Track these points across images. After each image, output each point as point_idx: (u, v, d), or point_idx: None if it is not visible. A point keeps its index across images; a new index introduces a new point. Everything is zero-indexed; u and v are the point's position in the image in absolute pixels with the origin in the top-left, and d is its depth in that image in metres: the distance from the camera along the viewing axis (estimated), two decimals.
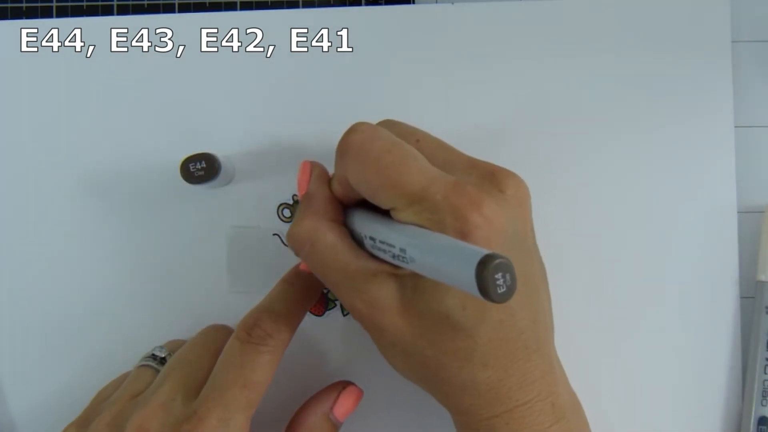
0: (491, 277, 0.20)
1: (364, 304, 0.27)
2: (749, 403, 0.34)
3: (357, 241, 0.28)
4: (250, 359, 0.28)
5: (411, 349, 0.27)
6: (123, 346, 0.36)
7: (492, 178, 0.27)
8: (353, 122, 0.29)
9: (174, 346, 0.33)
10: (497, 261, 0.20)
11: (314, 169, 0.31)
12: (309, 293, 0.31)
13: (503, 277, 0.20)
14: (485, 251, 0.20)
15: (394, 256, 0.25)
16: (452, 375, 0.27)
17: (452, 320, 0.26)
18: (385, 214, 0.27)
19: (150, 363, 0.32)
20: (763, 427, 0.34)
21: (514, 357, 0.27)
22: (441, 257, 0.22)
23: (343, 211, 0.30)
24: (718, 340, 0.35)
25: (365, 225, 0.28)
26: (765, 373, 0.34)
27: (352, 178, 0.27)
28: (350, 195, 0.29)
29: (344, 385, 0.32)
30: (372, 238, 0.27)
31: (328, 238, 0.28)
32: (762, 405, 0.34)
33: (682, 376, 0.35)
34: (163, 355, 0.33)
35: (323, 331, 0.36)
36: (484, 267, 0.20)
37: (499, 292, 0.20)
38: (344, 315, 0.36)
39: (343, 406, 0.32)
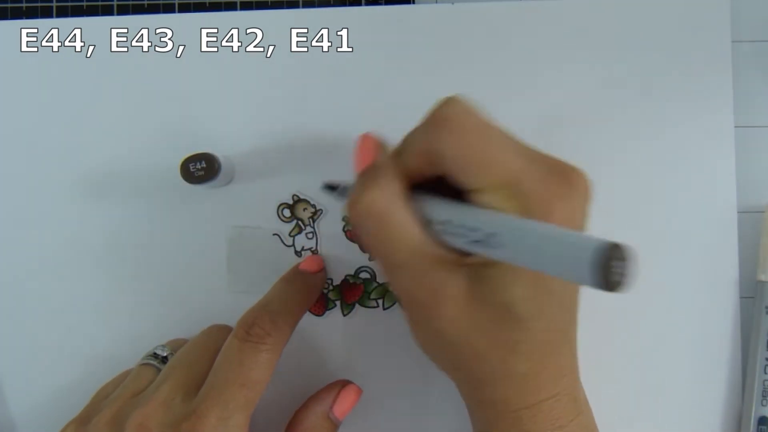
0: (615, 269, 0.19)
1: (426, 290, 0.26)
2: (749, 403, 0.34)
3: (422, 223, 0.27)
4: (249, 358, 0.28)
5: (460, 339, 0.26)
6: (123, 345, 0.36)
7: (568, 176, 0.26)
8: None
9: (176, 345, 0.33)
10: (623, 250, 0.19)
11: (381, 143, 0.29)
12: (308, 292, 0.31)
13: (624, 267, 0.20)
14: (606, 240, 0.20)
15: (474, 242, 0.24)
16: (493, 366, 0.27)
17: (513, 311, 0.25)
18: (457, 197, 0.26)
19: (151, 362, 0.32)
20: (763, 427, 0.34)
21: (553, 350, 0.27)
22: (546, 245, 0.22)
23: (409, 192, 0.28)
24: (718, 340, 0.35)
25: (440, 207, 0.26)
26: (765, 373, 0.34)
27: (442, 151, 0.26)
28: (425, 173, 0.27)
29: (343, 384, 0.32)
30: (446, 222, 0.25)
31: (400, 214, 0.26)
32: (762, 405, 0.34)
33: (682, 375, 0.35)
34: (164, 354, 0.33)
35: (323, 331, 0.36)
36: (609, 256, 0.19)
37: (619, 281, 0.20)
38: (344, 315, 0.36)
39: (342, 404, 0.32)
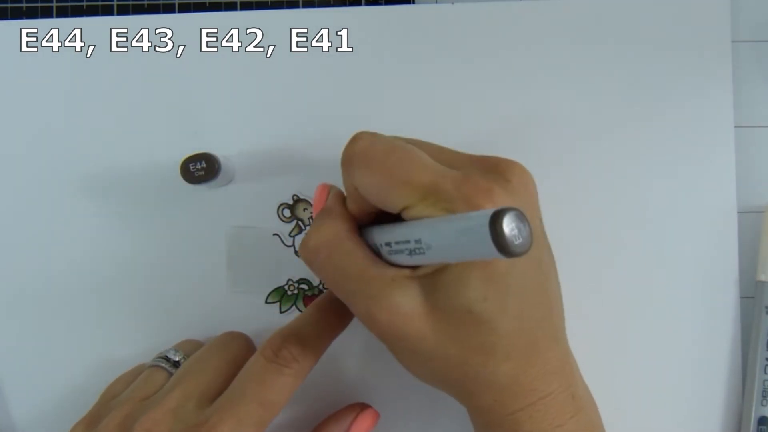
0: (507, 231, 0.19)
1: (386, 311, 0.27)
2: (749, 403, 0.34)
3: (374, 252, 0.28)
4: (272, 379, 0.28)
5: (434, 352, 0.27)
6: (123, 346, 0.36)
7: (496, 169, 0.27)
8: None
9: (188, 347, 0.33)
10: (509, 212, 0.20)
11: (332, 189, 0.31)
12: (340, 320, 0.30)
13: (518, 227, 0.20)
14: (494, 208, 0.20)
15: (411, 252, 0.25)
16: (476, 371, 0.27)
17: (474, 314, 0.26)
18: (397, 220, 0.27)
19: (163, 364, 0.32)
20: (763, 427, 0.34)
21: (535, 347, 0.27)
22: (454, 232, 0.22)
23: (358, 229, 0.29)
24: (718, 340, 0.35)
25: (380, 233, 0.27)
26: (765, 373, 0.34)
27: (361, 186, 0.27)
28: (364, 210, 0.29)
29: (362, 407, 0.33)
30: (388, 244, 0.27)
31: (346, 244, 0.28)
32: (762, 405, 0.34)
33: (682, 375, 0.35)
34: (177, 359, 0.32)
35: None
36: (497, 221, 0.19)
37: (517, 243, 0.20)
38: None
39: (359, 427, 0.32)
